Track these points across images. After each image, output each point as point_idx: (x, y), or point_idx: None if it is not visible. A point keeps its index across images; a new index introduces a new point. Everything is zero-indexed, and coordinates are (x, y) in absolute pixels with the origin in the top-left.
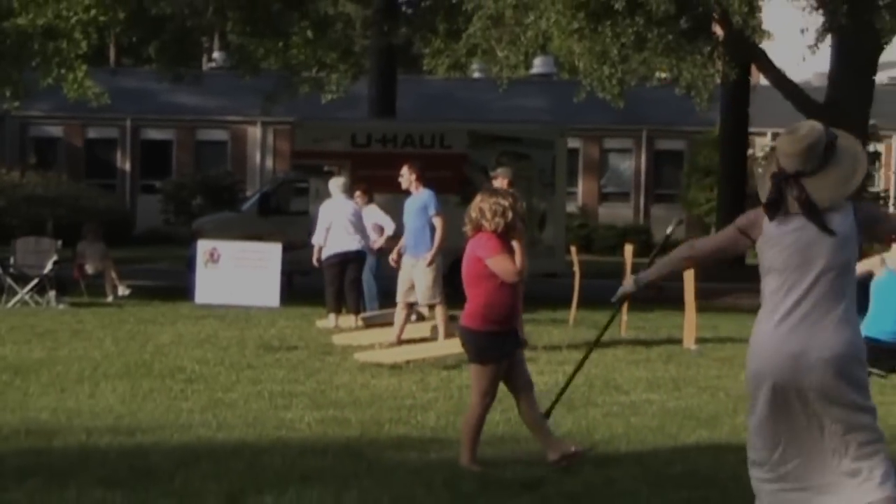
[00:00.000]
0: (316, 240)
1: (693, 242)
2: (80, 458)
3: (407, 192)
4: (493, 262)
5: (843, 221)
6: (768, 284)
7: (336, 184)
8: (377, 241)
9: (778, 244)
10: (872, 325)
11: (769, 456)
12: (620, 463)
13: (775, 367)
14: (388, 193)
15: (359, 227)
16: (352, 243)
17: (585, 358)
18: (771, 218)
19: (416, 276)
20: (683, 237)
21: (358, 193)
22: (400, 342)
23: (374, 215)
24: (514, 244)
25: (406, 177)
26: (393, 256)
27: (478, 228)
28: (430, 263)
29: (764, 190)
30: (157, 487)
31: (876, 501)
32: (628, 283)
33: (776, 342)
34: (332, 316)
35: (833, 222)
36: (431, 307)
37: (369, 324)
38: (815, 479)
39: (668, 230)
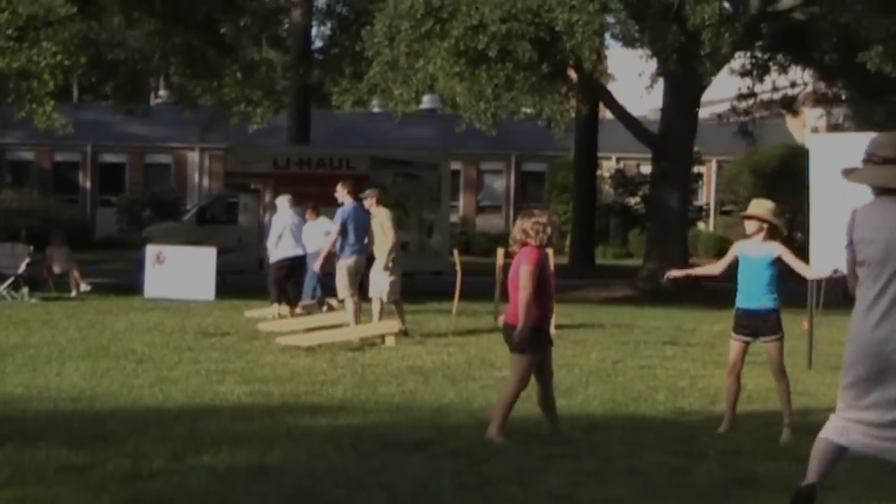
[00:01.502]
0: (270, 244)
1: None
2: (49, 425)
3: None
4: (523, 270)
5: None
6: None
7: (283, 200)
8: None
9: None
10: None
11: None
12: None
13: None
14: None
15: (300, 236)
16: (297, 250)
17: None
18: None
19: (337, 273)
20: None
21: (308, 211)
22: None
23: (325, 226)
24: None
25: (340, 192)
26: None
27: (523, 244)
28: (321, 265)
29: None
30: (112, 449)
31: None
32: None
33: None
34: (275, 306)
35: None
36: (341, 300)
37: (308, 311)
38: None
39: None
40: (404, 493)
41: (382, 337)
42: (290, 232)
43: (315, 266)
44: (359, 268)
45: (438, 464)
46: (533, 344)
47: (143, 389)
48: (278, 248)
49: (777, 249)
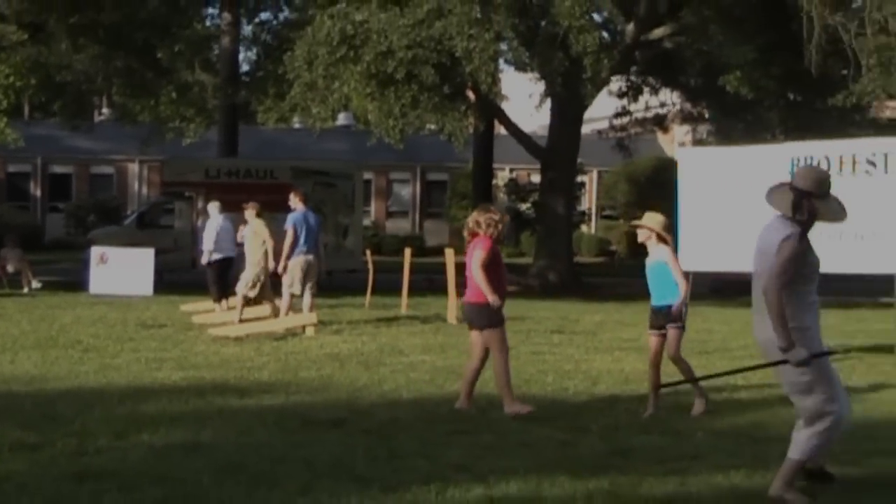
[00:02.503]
0: (206, 247)
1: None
2: (3, 408)
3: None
4: (476, 254)
5: None
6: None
7: (213, 206)
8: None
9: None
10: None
11: None
12: (404, 406)
13: None
14: (232, 212)
15: (228, 239)
16: (230, 250)
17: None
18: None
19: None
20: (447, 241)
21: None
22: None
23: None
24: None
25: (292, 199)
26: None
27: (474, 234)
28: (283, 267)
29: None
30: (61, 429)
31: None
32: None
33: None
34: (223, 303)
35: None
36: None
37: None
38: None
39: None
40: (322, 465)
41: (304, 327)
42: (226, 234)
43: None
44: (308, 266)
45: (353, 440)
46: (500, 317)
47: (89, 375)
48: (210, 249)
49: (666, 255)
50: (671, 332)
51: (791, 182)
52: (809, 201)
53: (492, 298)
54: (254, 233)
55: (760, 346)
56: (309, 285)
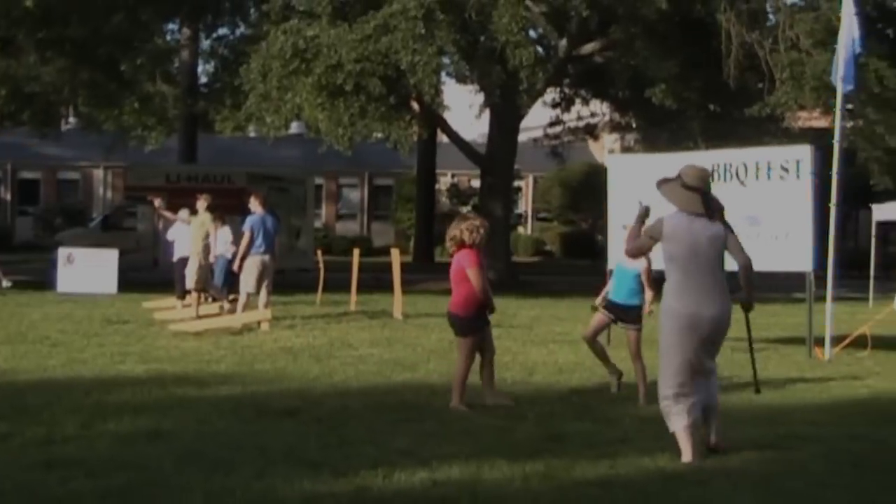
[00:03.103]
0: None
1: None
2: None
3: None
4: (471, 272)
5: None
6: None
7: (184, 213)
8: (231, 250)
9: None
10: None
11: None
12: (353, 396)
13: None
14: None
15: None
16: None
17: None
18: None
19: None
20: (393, 242)
21: (215, 217)
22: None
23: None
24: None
25: (252, 202)
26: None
27: (460, 245)
28: (238, 266)
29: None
30: (30, 419)
31: None
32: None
33: None
34: (187, 299)
35: None
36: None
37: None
38: None
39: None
40: (277, 452)
41: (259, 323)
42: (185, 237)
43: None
44: (264, 266)
45: (305, 428)
46: (471, 329)
47: (57, 369)
48: (175, 250)
49: (643, 266)
50: (631, 333)
51: (683, 181)
52: (706, 197)
53: (488, 307)
54: (200, 223)
55: (711, 322)
56: (265, 283)
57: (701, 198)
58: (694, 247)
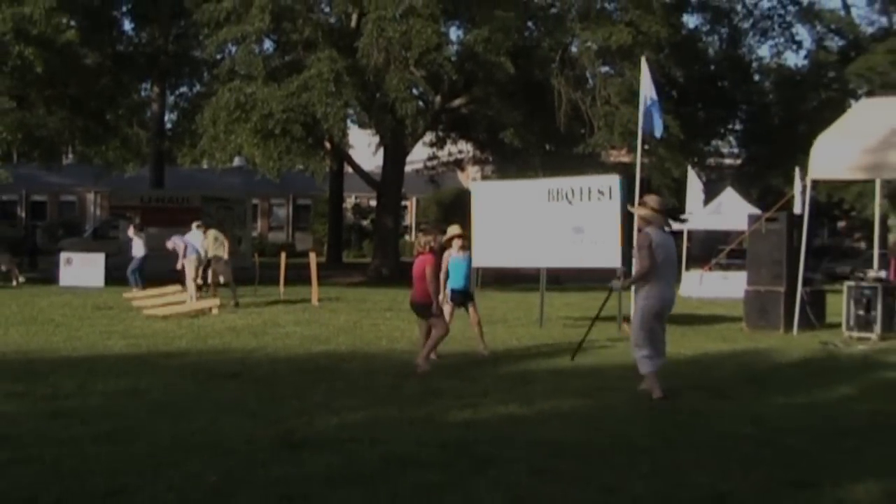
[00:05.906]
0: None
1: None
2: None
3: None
4: (428, 270)
5: None
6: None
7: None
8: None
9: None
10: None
11: None
12: (282, 362)
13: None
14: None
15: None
16: (142, 251)
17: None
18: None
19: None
20: (311, 247)
21: (198, 223)
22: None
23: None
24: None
25: (193, 225)
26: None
27: (421, 251)
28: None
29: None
30: (40, 381)
31: None
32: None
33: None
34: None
35: None
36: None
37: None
38: None
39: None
40: (225, 405)
41: (211, 308)
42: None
43: (180, 264)
44: (199, 262)
45: (246, 387)
46: (440, 309)
47: (59, 343)
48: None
49: (467, 257)
50: (472, 308)
51: (653, 206)
52: (666, 217)
53: (440, 297)
54: (203, 238)
55: (671, 303)
56: (222, 279)
57: (664, 217)
58: (667, 252)
